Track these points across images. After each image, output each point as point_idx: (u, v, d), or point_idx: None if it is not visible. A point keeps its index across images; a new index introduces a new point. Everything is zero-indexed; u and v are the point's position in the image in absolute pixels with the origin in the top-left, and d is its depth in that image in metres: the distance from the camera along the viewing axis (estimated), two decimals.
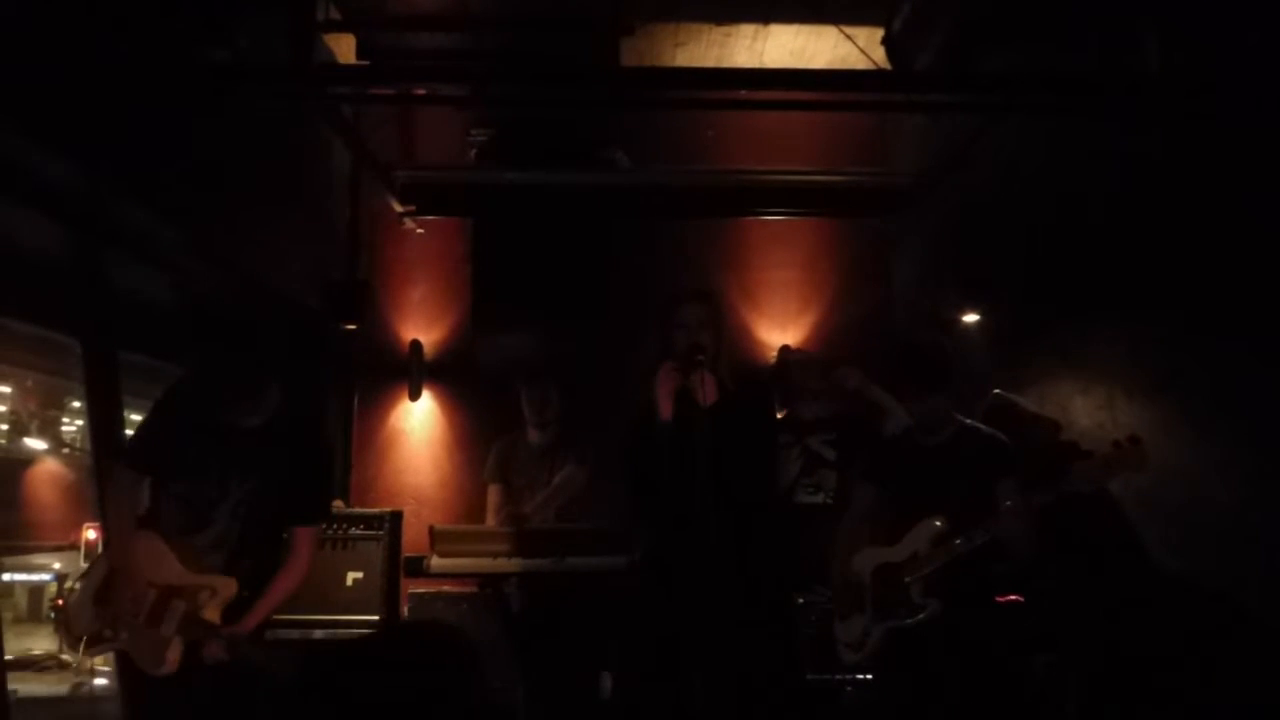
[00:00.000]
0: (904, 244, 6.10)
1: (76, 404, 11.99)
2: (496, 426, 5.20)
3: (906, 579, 3.22)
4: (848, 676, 4.01)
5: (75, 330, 4.16)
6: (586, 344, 5.68)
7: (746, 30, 5.33)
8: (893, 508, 3.39)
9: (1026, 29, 4.20)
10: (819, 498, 4.83)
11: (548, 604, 4.32)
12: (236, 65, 3.72)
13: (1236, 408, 3.36)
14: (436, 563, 4.05)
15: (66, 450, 12.96)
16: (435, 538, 4.09)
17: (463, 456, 5.94)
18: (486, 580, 4.26)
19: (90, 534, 10.40)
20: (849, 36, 4.79)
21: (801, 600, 4.18)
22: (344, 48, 4.98)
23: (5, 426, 12.41)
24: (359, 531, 4.57)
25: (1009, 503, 3.09)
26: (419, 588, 4.69)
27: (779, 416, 4.74)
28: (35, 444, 12.58)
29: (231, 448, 3.10)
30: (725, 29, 5.31)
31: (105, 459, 3.60)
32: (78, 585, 3.17)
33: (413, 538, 4.73)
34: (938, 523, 3.20)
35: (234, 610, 3.05)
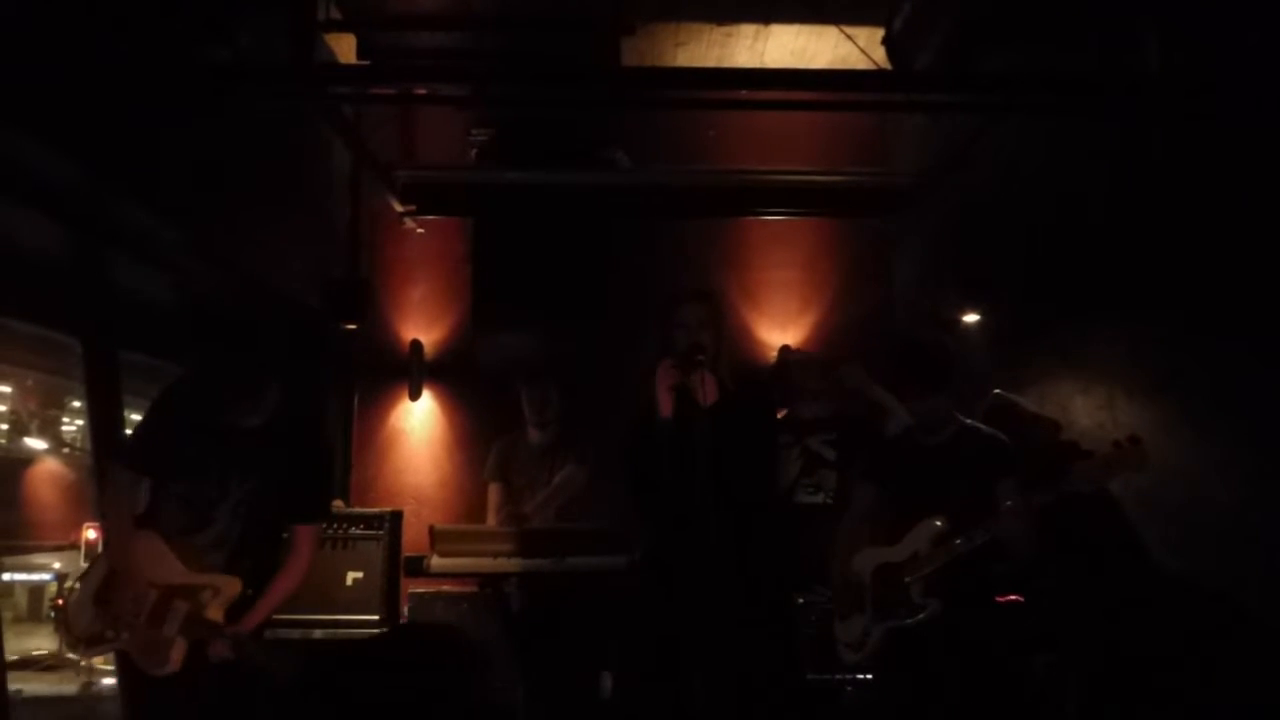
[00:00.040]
0: (904, 244, 6.10)
1: (77, 404, 11.98)
2: (497, 426, 5.20)
3: (907, 579, 3.22)
4: (848, 676, 4.01)
5: (76, 330, 4.16)
6: (587, 344, 5.68)
7: (747, 30, 5.33)
8: (893, 507, 3.39)
9: (1026, 29, 4.20)
10: (819, 498, 4.83)
11: (548, 604, 4.31)
12: (237, 65, 3.72)
13: (1236, 408, 3.35)
14: (436, 562, 4.05)
15: (67, 450, 12.95)
16: (435, 537, 4.09)
17: (463, 456, 5.94)
18: (486, 580, 4.26)
19: (90, 534, 10.38)
20: (849, 36, 4.79)
21: (801, 600, 4.18)
22: (344, 47, 4.98)
23: (5, 426, 12.41)
24: (359, 531, 4.57)
25: (1009, 503, 3.09)
26: (419, 587, 4.68)
27: (779, 416, 4.74)
28: (35, 443, 12.57)
29: (231, 447, 3.10)
30: (726, 29, 5.32)
31: (105, 459, 3.60)
32: (77, 585, 3.17)
33: (413, 537, 4.73)
34: (938, 522, 3.20)
35: (236, 609, 3.05)
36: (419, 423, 6.03)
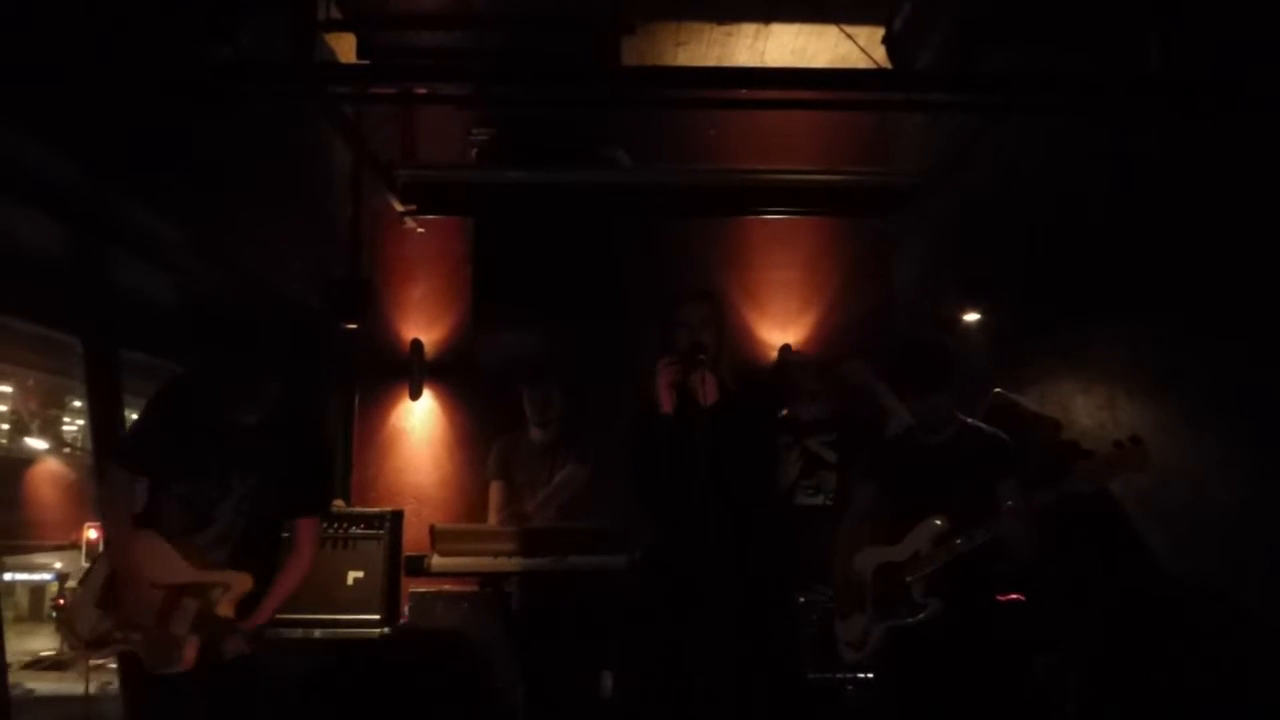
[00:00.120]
0: (905, 244, 6.10)
1: (78, 403, 12.01)
2: (497, 425, 5.20)
3: (908, 578, 3.22)
4: (849, 675, 4.02)
5: (76, 329, 4.16)
6: (587, 343, 5.68)
7: (748, 29, 5.33)
8: (894, 507, 3.39)
9: (1026, 29, 4.20)
10: (819, 499, 4.83)
11: (548, 603, 4.32)
12: (237, 65, 3.72)
13: (1236, 408, 3.36)
14: (437, 562, 4.05)
15: (68, 450, 12.98)
16: (436, 537, 4.09)
17: (463, 455, 5.94)
18: (487, 579, 4.26)
19: (91, 533, 10.41)
20: (850, 36, 4.79)
21: (802, 599, 4.19)
22: (345, 47, 4.98)
23: (6, 426, 12.43)
24: (360, 531, 4.57)
25: (1010, 502, 3.09)
26: (420, 587, 4.69)
27: (779, 416, 4.74)
28: (36, 443, 12.60)
29: (231, 445, 3.11)
30: (726, 28, 5.31)
31: (106, 458, 3.60)
32: (78, 587, 3.17)
33: (413, 537, 4.73)
34: (939, 522, 3.20)
35: (243, 606, 3.07)
36: (420, 422, 6.03)
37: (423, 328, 6.07)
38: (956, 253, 5.34)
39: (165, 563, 3.02)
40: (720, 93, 4.52)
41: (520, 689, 4.21)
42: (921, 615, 3.19)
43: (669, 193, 5.72)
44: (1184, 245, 3.57)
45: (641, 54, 5.33)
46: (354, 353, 5.87)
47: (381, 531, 4.58)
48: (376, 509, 4.83)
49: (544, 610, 4.33)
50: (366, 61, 4.46)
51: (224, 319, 4.44)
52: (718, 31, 5.33)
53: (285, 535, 3.28)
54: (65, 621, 3.12)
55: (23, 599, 16.79)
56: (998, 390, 4.16)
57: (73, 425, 12.78)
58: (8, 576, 15.31)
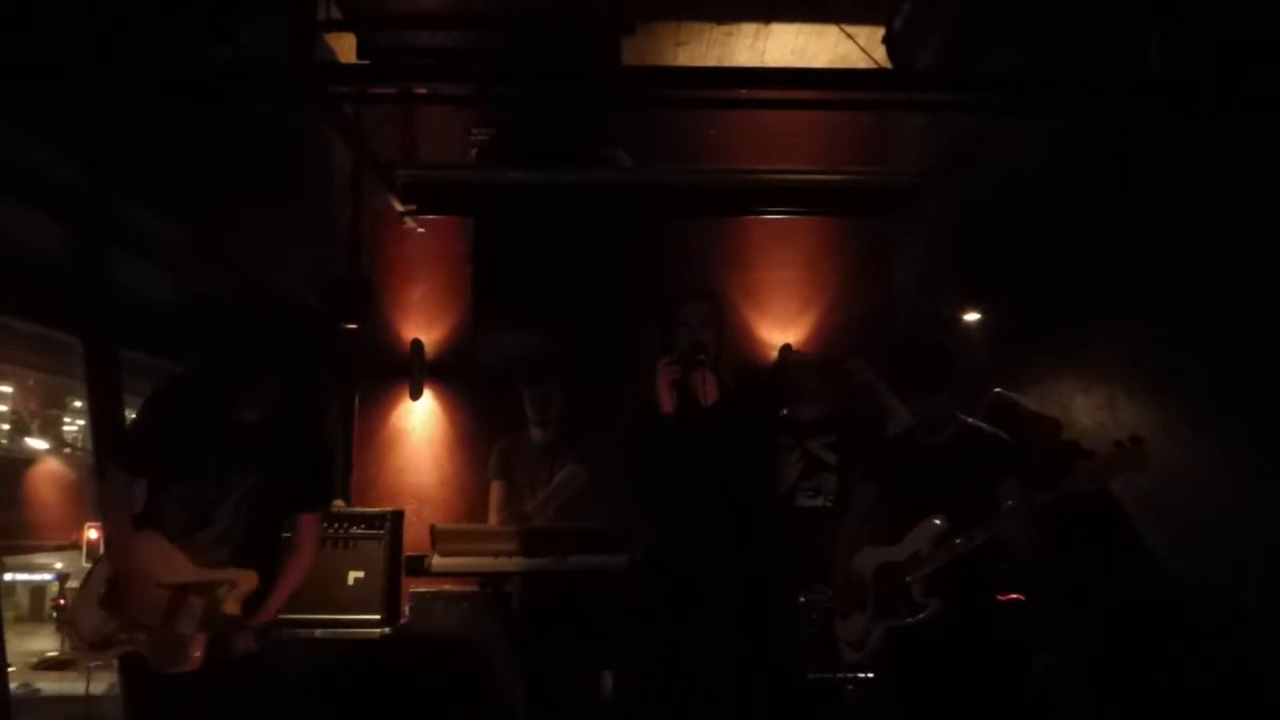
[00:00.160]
0: (905, 243, 6.10)
1: (78, 403, 11.99)
2: (497, 425, 5.20)
3: (908, 578, 3.22)
4: (849, 675, 4.02)
5: (76, 329, 4.16)
6: (588, 343, 5.68)
7: (748, 29, 5.33)
8: (894, 507, 3.39)
9: (1026, 29, 4.20)
10: (819, 501, 4.84)
11: (549, 603, 4.32)
12: (237, 65, 3.72)
13: (1236, 408, 3.35)
14: (438, 562, 4.05)
15: (68, 450, 12.96)
16: (436, 537, 4.09)
17: (464, 455, 5.94)
18: (487, 579, 4.26)
19: (92, 533, 10.39)
20: (850, 35, 4.79)
21: (803, 599, 4.19)
22: (345, 47, 4.98)
23: (7, 426, 12.42)
24: (360, 531, 4.57)
25: (1011, 502, 3.09)
26: (420, 587, 4.70)
27: (780, 416, 4.74)
28: (37, 443, 12.59)
29: (231, 443, 3.11)
30: (726, 28, 5.31)
31: (106, 459, 3.61)
32: (79, 589, 3.17)
33: (414, 537, 4.74)
34: (939, 522, 3.20)
35: (249, 604, 3.08)
36: (420, 422, 6.03)
37: (423, 328, 6.07)
38: (956, 253, 5.34)
39: (168, 562, 3.02)
40: (720, 93, 4.52)
41: (520, 689, 4.21)
42: (921, 615, 3.19)
43: (669, 193, 5.72)
44: (1184, 245, 3.57)
45: (641, 54, 5.33)
46: (354, 353, 5.87)
47: (382, 531, 4.59)
48: (377, 509, 4.84)
49: (544, 610, 4.33)
50: (366, 61, 4.47)
51: (224, 319, 4.43)
52: (718, 31, 5.33)
53: (286, 536, 3.29)
54: (69, 623, 3.12)
55: (23, 599, 16.78)
56: (998, 390, 4.16)
57: (73, 425, 12.76)
58: (8, 576, 15.29)
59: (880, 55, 4.58)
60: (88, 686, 8.49)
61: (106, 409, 4.08)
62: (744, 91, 4.40)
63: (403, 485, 5.94)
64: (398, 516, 4.70)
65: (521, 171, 5.55)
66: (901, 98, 4.51)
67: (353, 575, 4.51)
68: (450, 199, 5.67)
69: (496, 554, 4.03)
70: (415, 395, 5.94)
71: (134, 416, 3.31)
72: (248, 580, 3.05)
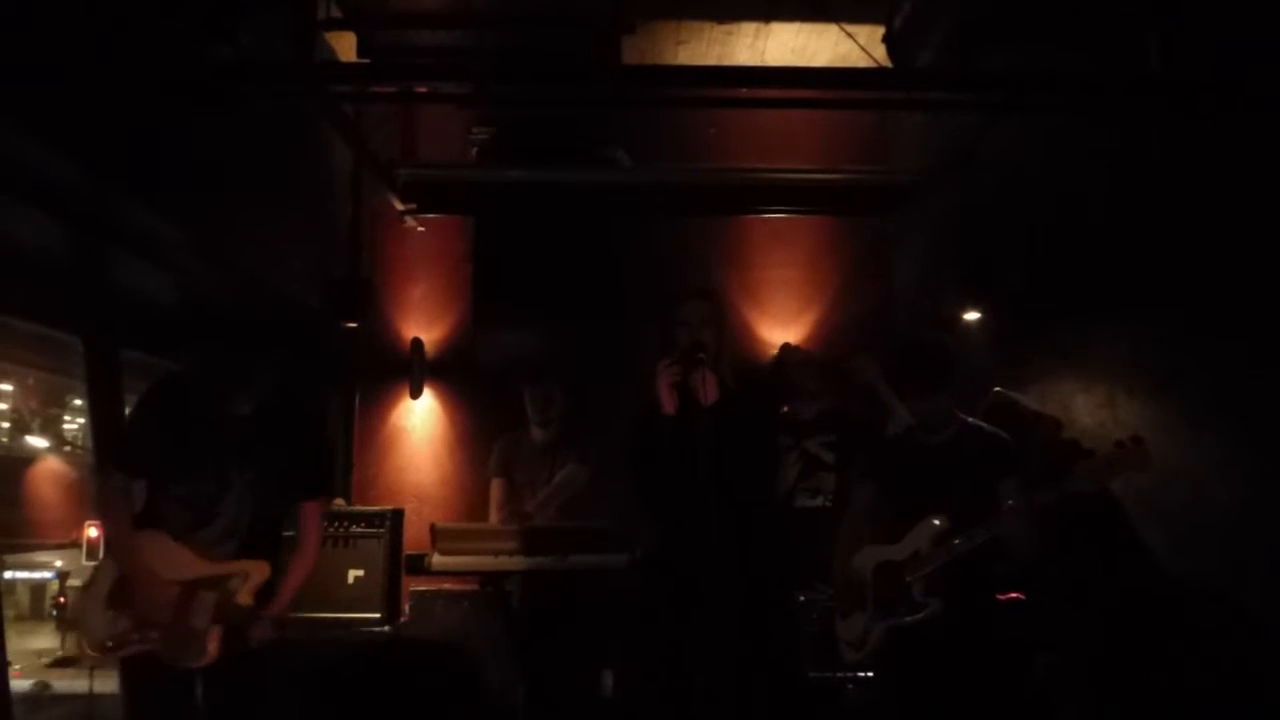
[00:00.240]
0: (905, 243, 6.10)
1: (78, 402, 11.99)
2: (498, 424, 5.20)
3: (908, 577, 3.22)
4: (849, 674, 4.02)
5: (77, 328, 4.16)
6: (588, 342, 5.68)
7: (748, 28, 5.33)
8: (894, 506, 3.39)
9: (1026, 29, 4.20)
10: (818, 501, 4.83)
11: (549, 602, 4.32)
12: (237, 65, 3.72)
13: (1236, 408, 3.36)
14: (438, 560, 4.05)
15: (68, 448, 12.97)
16: (436, 536, 4.09)
17: (464, 454, 5.94)
18: (488, 578, 4.26)
19: (92, 532, 10.40)
20: (850, 34, 4.79)
21: (803, 598, 4.19)
22: (345, 46, 4.98)
23: (7, 425, 12.42)
24: (360, 529, 4.58)
25: (1011, 502, 3.09)
26: (420, 585, 4.70)
27: (780, 414, 4.74)
28: (37, 442, 12.59)
29: (227, 438, 3.11)
30: (727, 27, 5.31)
31: (106, 457, 3.61)
32: (82, 589, 3.16)
33: (414, 535, 4.73)
34: (938, 521, 3.20)
35: (259, 596, 3.08)
36: (420, 421, 6.03)
37: (423, 327, 6.07)
38: (956, 252, 5.34)
39: (174, 559, 3.02)
40: (720, 92, 4.53)
41: (520, 689, 4.21)
42: (921, 615, 3.19)
43: (669, 192, 5.72)
44: (1184, 245, 3.57)
45: (641, 53, 5.33)
46: (354, 352, 5.87)
47: (382, 530, 4.59)
48: (377, 508, 4.84)
49: (544, 610, 4.33)
50: (366, 60, 4.47)
51: (224, 319, 4.44)
52: (718, 30, 5.33)
53: (289, 535, 3.29)
54: (77, 625, 3.11)
55: (23, 597, 16.80)
56: (998, 390, 4.16)
57: (73, 424, 12.77)
58: (8, 575, 15.30)
59: (880, 54, 4.58)
60: (91, 684, 8.53)
61: (106, 408, 4.08)
62: (744, 91, 4.40)
63: (403, 484, 5.94)
64: (398, 515, 4.70)
65: (521, 171, 5.56)
66: (901, 97, 4.51)
67: (353, 574, 4.51)
68: (450, 198, 5.67)
69: (497, 553, 4.02)
70: (415, 394, 5.94)
71: (128, 418, 3.30)
72: (260, 571, 3.06)
